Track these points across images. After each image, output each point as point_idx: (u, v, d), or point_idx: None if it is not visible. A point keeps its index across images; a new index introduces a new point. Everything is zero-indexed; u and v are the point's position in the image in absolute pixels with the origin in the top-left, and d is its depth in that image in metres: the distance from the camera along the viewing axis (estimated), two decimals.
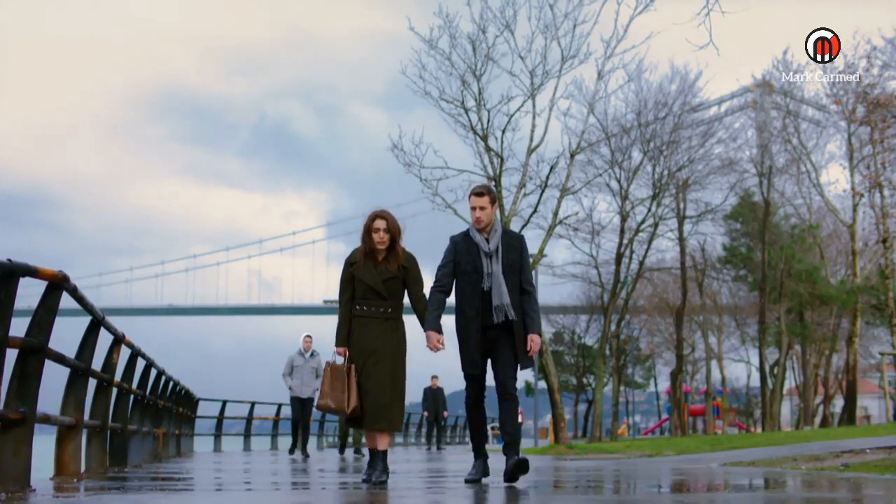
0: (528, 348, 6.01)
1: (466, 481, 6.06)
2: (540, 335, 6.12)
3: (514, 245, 6.13)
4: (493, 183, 19.54)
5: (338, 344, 6.17)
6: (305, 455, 14.22)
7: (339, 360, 6.13)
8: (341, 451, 15.87)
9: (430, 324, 6.03)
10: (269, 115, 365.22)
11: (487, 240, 6.05)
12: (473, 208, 6.06)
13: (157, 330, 78.16)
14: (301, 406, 14.57)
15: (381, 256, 6.15)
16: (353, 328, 6.16)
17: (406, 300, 6.31)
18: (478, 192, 6.12)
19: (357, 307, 6.16)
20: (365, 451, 14.99)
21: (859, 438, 11.91)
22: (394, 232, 6.14)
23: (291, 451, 15.03)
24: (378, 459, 6.16)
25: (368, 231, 6.14)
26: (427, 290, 6.24)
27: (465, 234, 6.16)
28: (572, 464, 11.17)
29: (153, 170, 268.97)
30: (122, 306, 74.25)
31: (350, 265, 6.23)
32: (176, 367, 13.68)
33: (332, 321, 6.62)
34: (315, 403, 11.18)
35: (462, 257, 6.06)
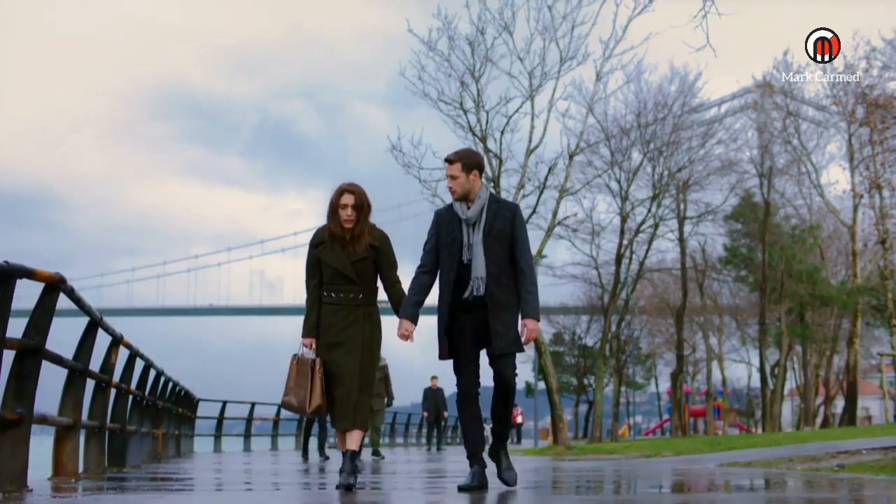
0: (523, 336, 5.23)
1: (460, 489, 5.28)
2: (536, 319, 5.27)
3: (503, 214, 5.36)
4: (492, 185, 19.52)
5: (304, 334, 5.56)
6: (307, 457, 14.00)
7: (307, 353, 5.54)
8: (320, 451, 14.05)
9: (404, 311, 5.40)
10: (271, 114, 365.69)
11: (469, 208, 5.37)
12: (447, 177, 5.42)
13: (159, 330, 78.32)
14: None
15: (348, 236, 5.52)
16: (322, 316, 5.56)
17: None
18: (447, 159, 5.41)
19: (325, 293, 5.56)
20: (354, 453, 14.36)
21: (857, 439, 11.92)
22: (362, 208, 5.52)
23: (321, 452, 13.96)
24: (346, 460, 5.52)
25: (335, 209, 5.51)
26: (402, 276, 5.74)
27: (450, 205, 5.51)
28: (571, 464, 11.18)
29: (154, 169, 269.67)
30: (124, 307, 74.36)
31: (315, 247, 5.60)
32: (177, 368, 13.73)
33: None
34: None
35: (443, 229, 5.40)
